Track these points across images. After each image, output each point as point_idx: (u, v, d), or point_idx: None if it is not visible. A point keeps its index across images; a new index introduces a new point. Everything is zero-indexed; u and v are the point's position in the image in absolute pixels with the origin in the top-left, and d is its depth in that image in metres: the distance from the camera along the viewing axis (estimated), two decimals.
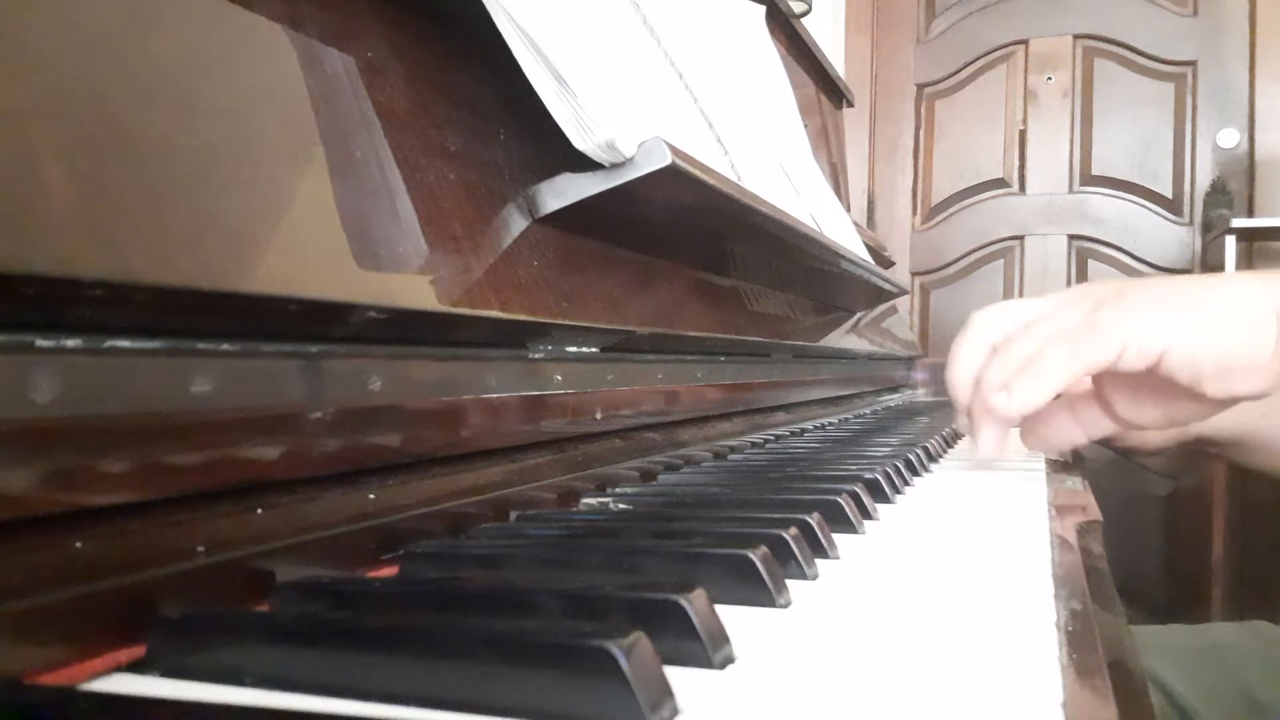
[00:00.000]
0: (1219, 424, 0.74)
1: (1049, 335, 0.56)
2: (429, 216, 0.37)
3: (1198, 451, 0.85)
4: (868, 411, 1.20)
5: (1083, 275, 2.37)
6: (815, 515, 0.38)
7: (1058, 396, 0.58)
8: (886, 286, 1.18)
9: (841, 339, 1.11)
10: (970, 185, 2.48)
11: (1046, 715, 0.21)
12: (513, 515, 0.41)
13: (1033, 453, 0.80)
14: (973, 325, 0.63)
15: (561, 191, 0.46)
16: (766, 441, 0.76)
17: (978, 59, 2.48)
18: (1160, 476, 2.14)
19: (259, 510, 0.28)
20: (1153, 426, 0.65)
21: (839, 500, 0.43)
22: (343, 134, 0.34)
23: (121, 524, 0.24)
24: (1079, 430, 0.66)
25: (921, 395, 1.68)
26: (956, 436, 0.93)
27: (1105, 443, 0.77)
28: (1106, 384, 0.62)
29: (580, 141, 0.45)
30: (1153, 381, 0.57)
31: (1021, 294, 2.42)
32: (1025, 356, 0.56)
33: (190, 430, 0.25)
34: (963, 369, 0.62)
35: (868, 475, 0.52)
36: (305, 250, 0.30)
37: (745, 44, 0.98)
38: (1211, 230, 2.13)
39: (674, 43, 0.69)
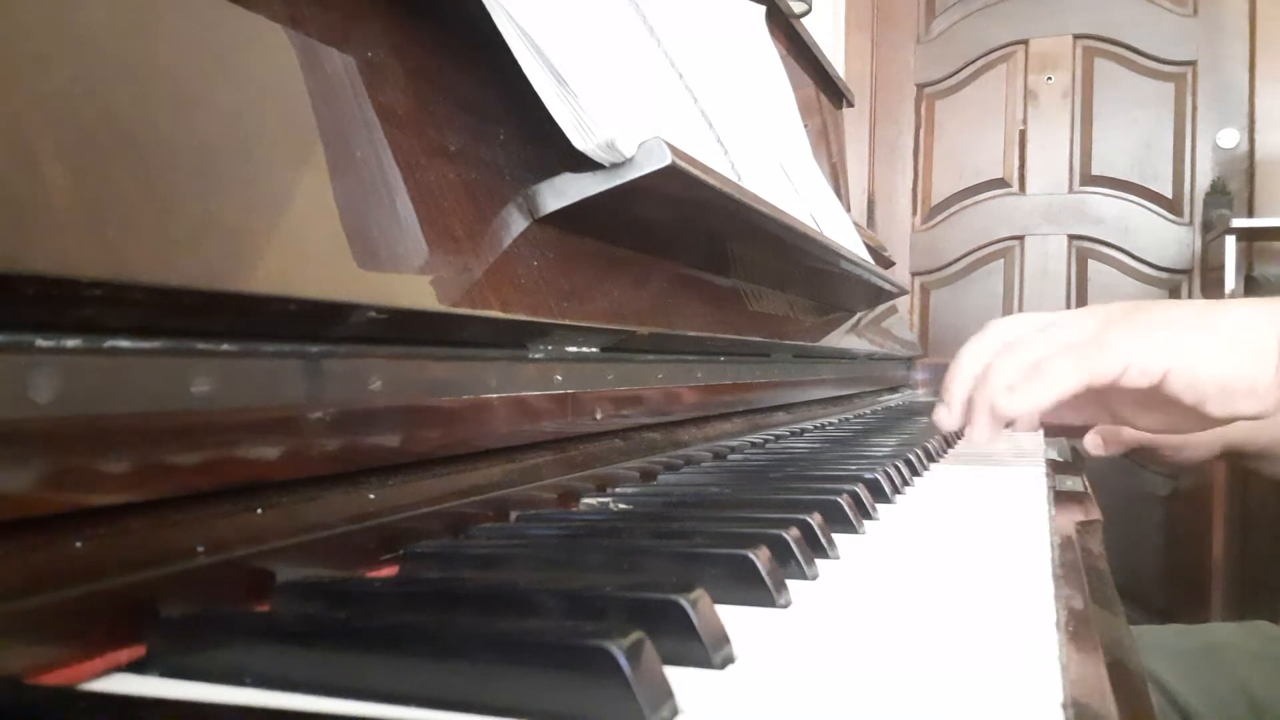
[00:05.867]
0: (1253, 437, 0.78)
1: (1059, 343, 0.59)
2: (429, 216, 0.37)
3: (1230, 463, 0.88)
4: (868, 411, 1.20)
5: (1083, 275, 2.37)
6: (815, 515, 0.38)
7: None
8: (886, 286, 1.18)
9: (841, 339, 1.11)
10: (970, 185, 2.48)
11: (1046, 715, 0.21)
12: (513, 515, 0.41)
13: (1033, 452, 0.80)
14: (989, 328, 0.67)
15: (561, 191, 0.46)
16: (766, 441, 0.76)
17: (978, 59, 2.48)
18: (1160, 476, 2.14)
19: (259, 510, 0.28)
20: (1152, 430, 0.70)
21: (839, 500, 0.43)
22: (343, 134, 0.34)
23: (121, 524, 0.24)
24: (1078, 417, 0.70)
25: (921, 395, 1.68)
26: (957, 436, 0.93)
27: (1131, 455, 0.79)
28: (1112, 392, 0.64)
29: (580, 141, 0.45)
30: (1158, 395, 0.60)
31: (1022, 294, 2.42)
32: (1035, 359, 0.59)
33: (190, 430, 0.25)
34: (969, 363, 0.65)
35: (868, 475, 0.52)
36: (305, 250, 0.30)
37: (745, 44, 0.98)
38: (1211, 230, 2.13)
39: (674, 43, 0.69)
